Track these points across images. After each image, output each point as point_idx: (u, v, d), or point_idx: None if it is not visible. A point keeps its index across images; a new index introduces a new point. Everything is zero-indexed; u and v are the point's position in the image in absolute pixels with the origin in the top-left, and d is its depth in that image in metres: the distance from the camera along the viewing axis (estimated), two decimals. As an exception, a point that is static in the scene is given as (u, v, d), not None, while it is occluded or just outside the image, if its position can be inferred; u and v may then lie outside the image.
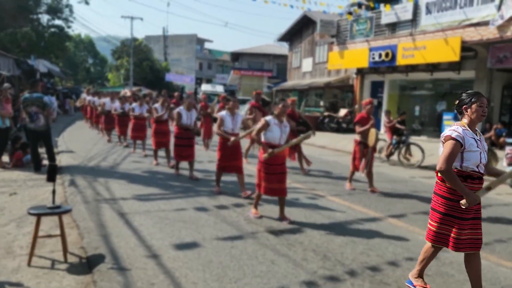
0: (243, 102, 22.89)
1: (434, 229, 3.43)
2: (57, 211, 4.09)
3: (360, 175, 8.11)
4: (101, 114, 13.97)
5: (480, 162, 3.30)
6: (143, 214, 5.60)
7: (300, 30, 27.74)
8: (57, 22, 31.91)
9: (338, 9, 19.29)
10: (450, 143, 3.25)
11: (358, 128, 7.62)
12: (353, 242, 4.83)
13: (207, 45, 66.33)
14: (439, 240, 3.44)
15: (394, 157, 11.75)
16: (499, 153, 10.76)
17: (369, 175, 7.64)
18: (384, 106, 18.52)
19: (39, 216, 4.06)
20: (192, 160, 8.11)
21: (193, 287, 3.56)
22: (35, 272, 3.83)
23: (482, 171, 3.34)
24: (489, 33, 12.58)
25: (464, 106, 3.38)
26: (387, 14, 16.52)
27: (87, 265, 4.01)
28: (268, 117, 5.54)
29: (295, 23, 27.63)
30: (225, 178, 8.30)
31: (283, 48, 39.03)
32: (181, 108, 8.06)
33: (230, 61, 50.46)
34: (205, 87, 33.65)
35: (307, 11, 23.94)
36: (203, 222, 5.37)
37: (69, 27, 32.67)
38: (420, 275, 3.62)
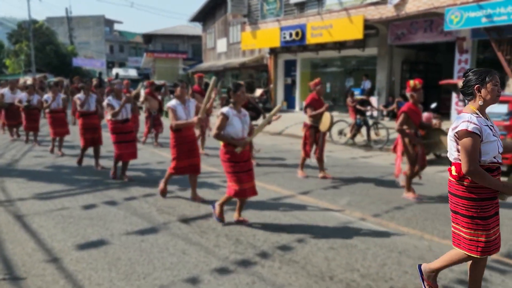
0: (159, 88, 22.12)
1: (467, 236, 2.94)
2: None
3: (311, 161, 7.49)
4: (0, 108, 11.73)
5: (499, 152, 2.88)
6: (44, 214, 5.18)
7: (213, 10, 27.29)
8: None
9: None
10: (469, 140, 2.77)
11: (310, 112, 7.05)
12: (264, 223, 4.92)
13: (116, 27, 62.91)
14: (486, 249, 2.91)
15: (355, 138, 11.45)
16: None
17: (320, 160, 7.29)
18: (298, 85, 19.05)
19: None
20: (134, 158, 7.05)
21: (98, 289, 3.38)
22: None
23: (500, 161, 2.92)
24: (388, 11, 13.36)
25: (477, 85, 2.87)
26: (295, -6, 16.81)
27: (-25, 278, 3.62)
28: (225, 109, 4.68)
29: (206, 2, 27.08)
30: (133, 164, 8.00)
31: (197, 29, 38.24)
32: (109, 99, 6.87)
33: (143, 43, 48.42)
34: (117, 71, 31.96)
35: (218, -10, 23.61)
36: (112, 217, 5.11)
37: (-48, 8, 28.99)
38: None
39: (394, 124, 6.11)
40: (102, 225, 4.81)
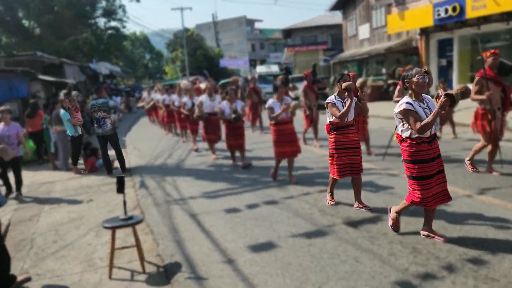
0: (301, 79, 22.28)
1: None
2: (130, 222, 4.05)
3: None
4: (198, 119, 9.46)
5: None
6: (213, 213, 5.47)
7: (353, -5, 26.33)
8: (113, 23, 33.16)
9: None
10: None
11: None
12: (444, 229, 4.32)
13: (257, 25, 65.75)
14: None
15: None
16: None
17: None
18: (455, 65, 17.07)
19: (113, 229, 4.04)
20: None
21: (275, 296, 3.33)
22: (117, 285, 3.82)
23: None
24: None
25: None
26: (450, -36, 15.01)
27: (164, 274, 3.94)
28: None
29: (346, -11, 26.24)
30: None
31: (336, 18, 37.44)
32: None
33: (282, 38, 49.51)
34: (260, 69, 33.21)
35: (359, -26, 22.57)
36: (276, 217, 5.12)
37: (124, 27, 33.85)
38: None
39: None
40: (268, 226, 4.84)
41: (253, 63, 55.24)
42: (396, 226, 4.36)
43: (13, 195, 7.44)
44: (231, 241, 4.50)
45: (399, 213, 4.35)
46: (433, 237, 4.09)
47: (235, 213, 5.41)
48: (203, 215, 5.42)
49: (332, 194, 5.52)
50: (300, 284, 3.47)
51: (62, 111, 8.81)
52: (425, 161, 3.91)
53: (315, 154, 8.88)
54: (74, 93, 11.81)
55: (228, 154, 8.91)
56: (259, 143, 10.78)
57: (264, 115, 9.64)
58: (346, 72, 6.92)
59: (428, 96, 4.09)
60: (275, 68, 31.84)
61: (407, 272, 3.52)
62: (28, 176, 8.91)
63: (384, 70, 22.76)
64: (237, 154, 8.40)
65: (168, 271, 3.97)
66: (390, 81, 19.06)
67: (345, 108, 4.93)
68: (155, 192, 6.79)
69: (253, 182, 6.95)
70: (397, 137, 4.11)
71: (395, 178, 6.47)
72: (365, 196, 5.45)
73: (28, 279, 4.07)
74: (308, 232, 4.57)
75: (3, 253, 3.88)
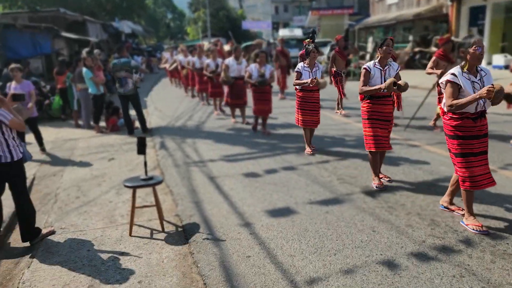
0: (324, 44, 21.77)
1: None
2: (150, 183, 4.12)
3: None
4: (224, 83, 8.92)
5: None
6: (233, 177, 5.52)
7: (383, -43, 25.15)
8: (135, -19, 32.66)
9: None
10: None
11: None
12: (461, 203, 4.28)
13: (282, -14, 63.77)
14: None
15: None
16: None
17: None
18: (486, 34, 16.34)
19: (134, 188, 4.12)
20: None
21: (291, 261, 3.38)
22: (136, 242, 3.94)
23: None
24: None
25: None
26: None
27: (183, 234, 4.04)
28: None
29: (377, -51, 25.05)
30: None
31: (364, -20, 35.97)
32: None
33: (307, 1, 48.09)
34: (283, 32, 32.46)
35: None
36: (294, 184, 5.14)
37: (146, -16, 33.27)
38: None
39: None
40: (286, 192, 4.87)
41: (275, 27, 54.04)
42: (478, 227, 3.66)
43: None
44: (250, 205, 4.55)
45: (470, 211, 3.78)
46: (452, 211, 4.05)
47: (254, 177, 5.45)
48: (222, 178, 5.48)
49: (378, 176, 4.94)
50: (316, 250, 3.51)
51: (84, 69, 8.87)
52: (467, 138, 3.63)
53: (337, 121, 8.79)
54: (96, 51, 11.83)
55: (249, 119, 8.89)
56: (280, 107, 10.70)
57: (289, 79, 9.47)
58: (371, 38, 6.72)
59: (487, 69, 3.76)
60: (298, 32, 31.11)
61: (424, 244, 3.51)
62: (52, 132, 9.11)
63: (411, 37, 21.98)
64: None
65: (187, 231, 4.07)
66: (417, 49, 18.45)
67: (373, 88, 4.61)
68: (175, 153, 6.87)
69: (272, 148, 6.95)
70: (440, 109, 3.91)
71: (415, 149, 6.38)
72: (384, 166, 5.40)
73: (52, 232, 4.23)
74: (326, 200, 4.58)
75: (29, 206, 4.03)
